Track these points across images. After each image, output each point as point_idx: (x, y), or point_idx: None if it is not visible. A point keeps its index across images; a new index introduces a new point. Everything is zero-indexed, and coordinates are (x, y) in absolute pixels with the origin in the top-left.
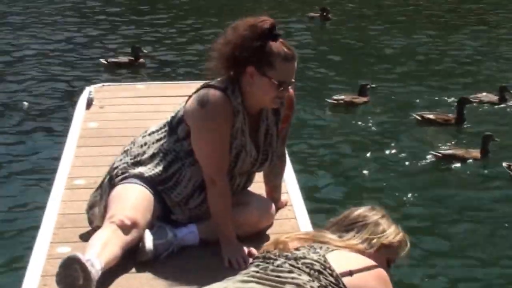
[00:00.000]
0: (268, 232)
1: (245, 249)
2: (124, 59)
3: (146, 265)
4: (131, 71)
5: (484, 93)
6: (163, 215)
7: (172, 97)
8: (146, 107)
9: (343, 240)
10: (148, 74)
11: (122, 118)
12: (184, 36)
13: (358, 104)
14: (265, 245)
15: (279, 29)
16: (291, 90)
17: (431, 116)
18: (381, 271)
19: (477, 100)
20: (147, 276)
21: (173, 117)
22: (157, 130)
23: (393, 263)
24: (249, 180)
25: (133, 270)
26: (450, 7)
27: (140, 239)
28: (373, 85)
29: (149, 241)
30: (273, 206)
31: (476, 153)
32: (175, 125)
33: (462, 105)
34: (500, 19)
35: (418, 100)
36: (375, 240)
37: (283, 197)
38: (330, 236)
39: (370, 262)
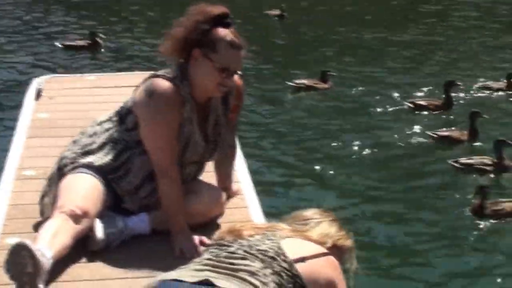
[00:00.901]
0: (219, 221)
1: (196, 238)
2: (81, 42)
3: (97, 254)
4: (89, 57)
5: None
6: (114, 205)
7: (123, 88)
8: (97, 97)
9: (299, 230)
10: (105, 62)
11: (72, 109)
12: (145, 26)
13: (319, 89)
14: (220, 233)
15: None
16: (239, 81)
17: (423, 103)
18: (332, 258)
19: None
20: (98, 265)
21: (122, 107)
22: (107, 120)
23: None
24: (200, 169)
25: (84, 259)
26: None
27: (91, 228)
28: (334, 73)
29: (99, 230)
30: (224, 195)
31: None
32: (124, 115)
33: (449, 88)
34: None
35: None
36: (329, 238)
37: (234, 186)
38: (285, 226)
39: (322, 249)
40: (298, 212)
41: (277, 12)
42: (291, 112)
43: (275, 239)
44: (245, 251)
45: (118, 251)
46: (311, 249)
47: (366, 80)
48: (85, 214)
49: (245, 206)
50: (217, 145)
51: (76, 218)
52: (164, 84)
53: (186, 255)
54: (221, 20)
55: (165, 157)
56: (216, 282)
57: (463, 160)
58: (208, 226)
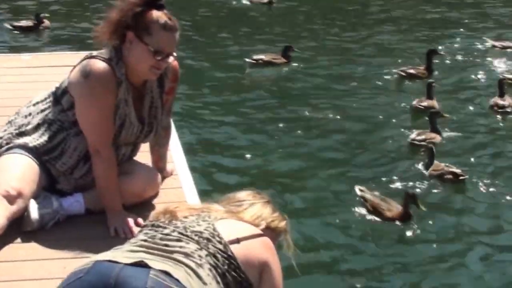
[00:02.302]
0: (154, 201)
1: (131, 218)
2: (28, 23)
3: (31, 234)
4: (35, 38)
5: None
6: (49, 185)
7: (59, 67)
8: (31, 77)
9: (233, 212)
10: (51, 42)
11: (7, 88)
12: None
13: (278, 64)
14: (154, 214)
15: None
16: (175, 62)
17: (412, 71)
18: (266, 240)
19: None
20: (32, 246)
21: (57, 88)
22: (42, 101)
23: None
24: (135, 150)
25: (19, 240)
26: None
27: (26, 209)
28: (297, 50)
29: (34, 210)
30: (159, 175)
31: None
32: (59, 96)
33: (431, 56)
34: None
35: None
36: (262, 220)
37: (169, 166)
38: (220, 207)
39: (257, 231)
40: (232, 194)
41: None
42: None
43: (209, 220)
44: (179, 232)
45: (53, 232)
46: (245, 230)
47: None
48: (19, 195)
49: (179, 187)
50: (152, 127)
51: (10, 198)
52: (100, 64)
53: (121, 235)
54: (154, 2)
55: (100, 138)
56: (151, 263)
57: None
58: (143, 206)
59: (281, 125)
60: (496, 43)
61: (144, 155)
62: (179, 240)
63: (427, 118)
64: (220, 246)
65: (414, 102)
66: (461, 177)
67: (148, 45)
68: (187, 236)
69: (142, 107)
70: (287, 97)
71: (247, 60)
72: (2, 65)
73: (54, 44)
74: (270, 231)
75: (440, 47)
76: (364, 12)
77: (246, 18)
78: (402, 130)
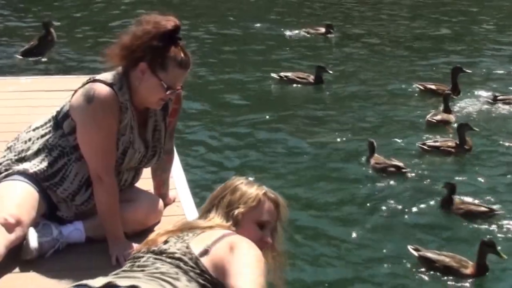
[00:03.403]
0: (156, 228)
1: (133, 246)
2: (33, 42)
3: (30, 263)
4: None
5: None
6: (49, 213)
7: (58, 92)
8: (31, 101)
9: (207, 221)
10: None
11: (5, 113)
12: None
13: (304, 84)
14: (137, 247)
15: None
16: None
17: (433, 87)
18: (232, 237)
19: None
20: (32, 275)
21: (58, 112)
22: (42, 125)
23: (270, 224)
24: (137, 175)
25: (17, 269)
26: None
27: (24, 237)
28: (330, 71)
29: (33, 239)
30: (161, 202)
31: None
32: (60, 120)
33: (456, 74)
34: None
35: None
36: (233, 212)
37: (171, 193)
38: (196, 221)
39: (224, 232)
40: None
41: None
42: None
43: (187, 238)
44: (155, 258)
45: (53, 261)
46: (213, 235)
47: None
48: (18, 223)
49: (182, 214)
50: (156, 152)
51: (9, 226)
52: (103, 89)
53: (122, 265)
54: (172, 35)
55: (102, 164)
56: (119, 282)
57: (430, 142)
58: (145, 234)
59: (297, 149)
60: None
61: (146, 181)
62: (154, 264)
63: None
64: (191, 264)
65: (428, 116)
66: (403, 170)
67: (162, 80)
68: (161, 259)
69: (145, 131)
70: (305, 118)
71: (272, 75)
72: (1, 88)
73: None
74: (248, 215)
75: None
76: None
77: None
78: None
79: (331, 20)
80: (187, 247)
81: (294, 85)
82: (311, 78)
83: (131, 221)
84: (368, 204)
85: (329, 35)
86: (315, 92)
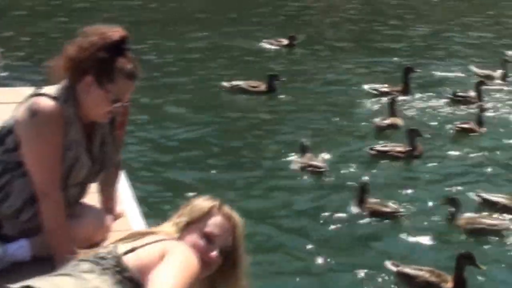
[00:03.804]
0: (104, 245)
1: None
2: None
3: None
4: None
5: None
6: None
7: (3, 104)
8: None
9: (155, 228)
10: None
11: None
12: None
13: (256, 93)
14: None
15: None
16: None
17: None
18: (172, 244)
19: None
20: None
21: (2, 127)
22: None
23: (220, 238)
24: (83, 191)
25: None
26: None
27: None
28: (284, 79)
29: None
30: (109, 217)
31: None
32: (3, 135)
33: (407, 74)
34: None
35: None
36: (180, 220)
37: (119, 208)
38: (146, 229)
39: (164, 237)
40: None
41: None
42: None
43: (122, 243)
44: (80, 259)
45: None
46: (148, 240)
47: None
48: None
49: (130, 229)
50: (103, 165)
51: None
52: (47, 103)
53: None
54: (119, 46)
55: (48, 179)
56: (34, 284)
57: (379, 147)
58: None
59: (243, 160)
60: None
61: (92, 196)
62: (78, 264)
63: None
64: (113, 261)
65: (377, 120)
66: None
67: (109, 93)
68: (85, 260)
69: (92, 144)
70: (257, 127)
71: (223, 84)
72: None
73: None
74: (194, 225)
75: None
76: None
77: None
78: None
79: (289, 30)
80: (114, 247)
81: (245, 95)
82: (264, 86)
83: (79, 238)
84: (322, 214)
85: (291, 47)
86: (267, 101)
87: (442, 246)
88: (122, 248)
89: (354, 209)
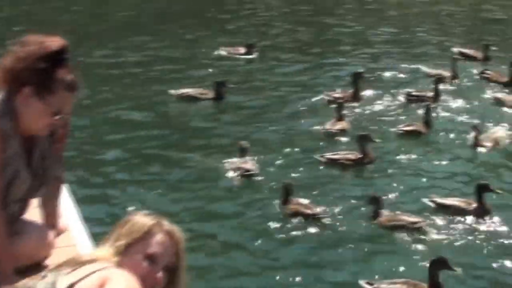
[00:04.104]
0: (48, 261)
1: None
2: None
3: None
4: None
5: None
6: None
7: None
8: None
9: (94, 253)
10: None
11: None
12: None
13: (203, 100)
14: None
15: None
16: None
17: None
18: (110, 272)
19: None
20: None
21: None
22: None
23: (163, 258)
24: (24, 207)
25: None
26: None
27: None
28: (232, 85)
29: None
30: (52, 233)
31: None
32: None
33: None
34: None
35: None
36: (119, 243)
37: (62, 223)
38: (82, 254)
39: (102, 266)
40: None
41: None
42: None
43: (62, 273)
44: None
45: None
46: (86, 271)
47: None
48: None
49: (73, 244)
50: (43, 180)
51: None
52: None
53: None
54: (58, 56)
55: None
56: None
57: (329, 155)
58: (36, 269)
59: (185, 171)
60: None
61: (34, 211)
62: None
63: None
64: None
65: (326, 125)
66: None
67: (49, 105)
68: None
69: (32, 158)
70: (203, 136)
71: (171, 92)
72: None
73: None
74: (135, 246)
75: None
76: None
77: None
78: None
79: (244, 38)
80: (53, 283)
81: (193, 102)
82: (211, 94)
83: (20, 256)
84: (245, 215)
85: (249, 55)
86: (214, 108)
87: (364, 244)
88: (60, 283)
89: (278, 210)
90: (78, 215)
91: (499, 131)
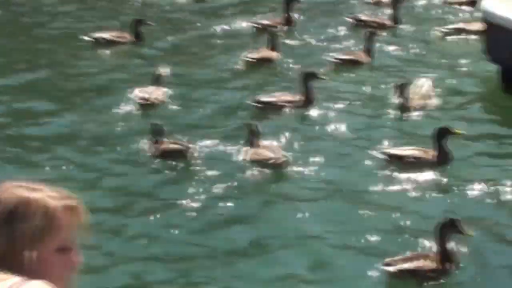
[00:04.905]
0: None
1: None
2: None
3: None
4: None
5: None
6: None
7: None
8: None
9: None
10: None
11: None
12: None
13: (123, 43)
14: None
15: None
16: None
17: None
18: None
19: None
20: None
21: None
22: None
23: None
24: None
25: None
26: None
27: None
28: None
29: None
30: None
31: None
32: None
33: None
34: None
35: None
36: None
37: None
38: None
39: (12, 282)
40: None
41: None
42: None
43: None
44: None
45: None
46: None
47: None
48: None
49: None
50: None
51: None
52: None
53: None
54: None
55: None
56: None
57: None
58: None
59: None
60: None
61: None
62: None
63: None
64: None
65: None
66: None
67: None
68: None
69: None
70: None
71: (85, 38)
72: None
73: None
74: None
75: None
76: None
77: None
78: None
79: None
80: None
81: (110, 47)
82: (129, 37)
83: None
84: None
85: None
86: (134, 51)
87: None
88: None
89: (149, 151)
90: None
91: (425, 84)
